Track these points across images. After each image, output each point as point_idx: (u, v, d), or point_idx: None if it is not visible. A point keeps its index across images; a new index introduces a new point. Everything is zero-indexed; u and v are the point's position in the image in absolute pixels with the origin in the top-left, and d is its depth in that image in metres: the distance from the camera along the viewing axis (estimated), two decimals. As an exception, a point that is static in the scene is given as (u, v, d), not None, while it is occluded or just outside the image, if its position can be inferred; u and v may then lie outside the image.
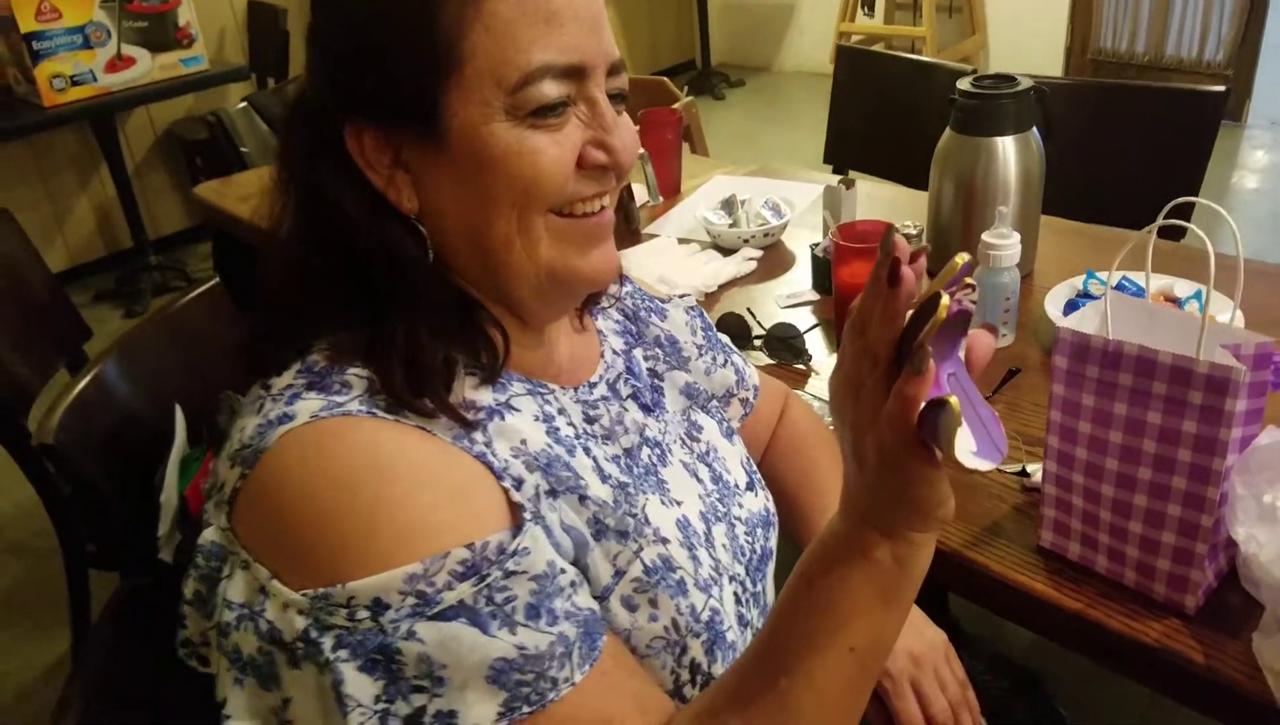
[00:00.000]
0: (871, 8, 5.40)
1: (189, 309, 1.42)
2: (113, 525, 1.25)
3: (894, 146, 2.30)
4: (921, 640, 0.82)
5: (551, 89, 0.63)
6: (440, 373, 0.65)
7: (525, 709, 0.57)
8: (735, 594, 0.76)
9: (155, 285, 3.59)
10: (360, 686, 0.56)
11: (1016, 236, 1.26)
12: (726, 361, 0.94)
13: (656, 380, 0.85)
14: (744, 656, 0.62)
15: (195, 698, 0.64)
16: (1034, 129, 1.43)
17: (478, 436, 0.65)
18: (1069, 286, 1.35)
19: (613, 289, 0.86)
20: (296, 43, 3.34)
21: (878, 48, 4.92)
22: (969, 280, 0.52)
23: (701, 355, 0.91)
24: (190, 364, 1.38)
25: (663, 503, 0.75)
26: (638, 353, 0.86)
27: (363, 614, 0.56)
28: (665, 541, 0.71)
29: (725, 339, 0.99)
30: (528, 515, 0.61)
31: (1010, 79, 1.42)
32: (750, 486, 0.86)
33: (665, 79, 2.56)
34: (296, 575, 0.57)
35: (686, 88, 2.55)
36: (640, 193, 1.83)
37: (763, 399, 1.01)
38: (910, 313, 0.51)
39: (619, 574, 0.67)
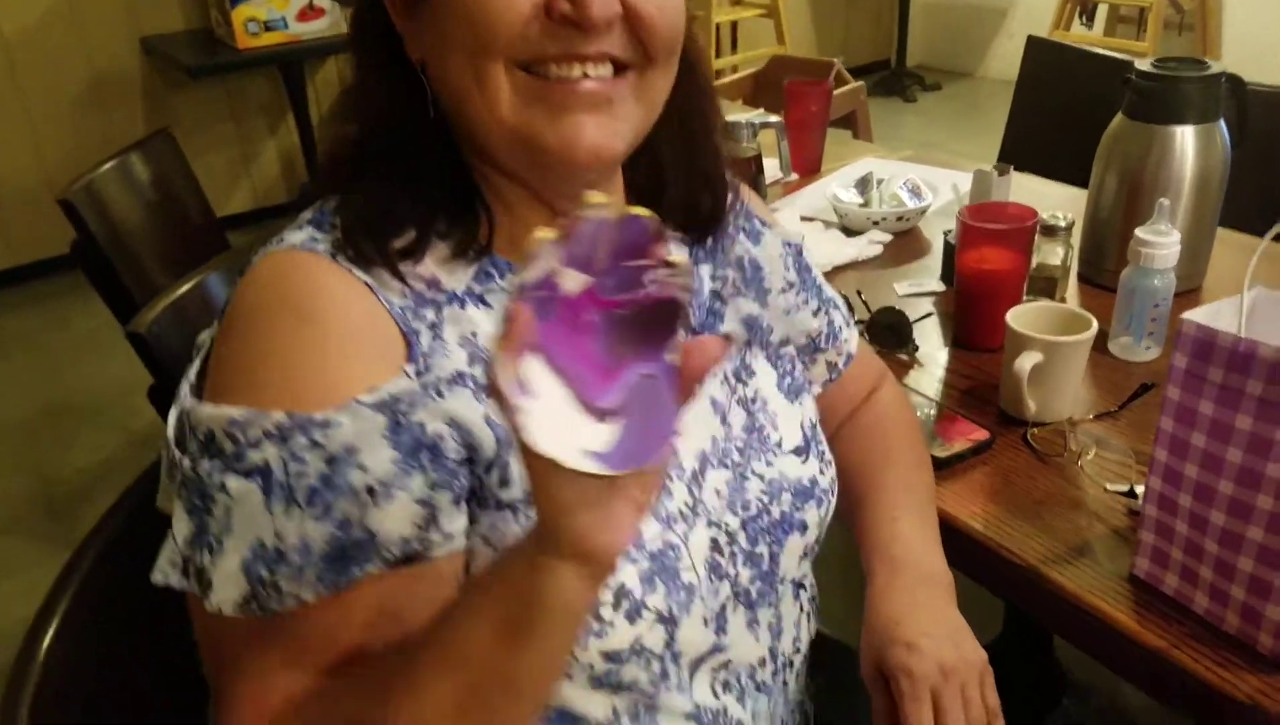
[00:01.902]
0: (1091, 18, 5.04)
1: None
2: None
3: (1075, 150, 2.11)
4: (957, 653, 0.72)
5: None
6: (391, 226, 0.64)
7: (256, 608, 0.57)
8: (714, 540, 0.70)
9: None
10: (181, 526, 0.59)
11: (1175, 236, 1.10)
12: (821, 311, 0.86)
13: (717, 302, 0.78)
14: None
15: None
16: (1220, 123, 1.26)
17: (427, 313, 0.64)
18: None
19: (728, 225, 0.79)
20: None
21: (1089, 59, 4.58)
22: (675, 258, 0.43)
23: (786, 292, 0.83)
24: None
25: None
26: (704, 269, 0.79)
27: (189, 458, 0.59)
28: None
29: (833, 293, 0.90)
30: (369, 400, 0.58)
31: (1200, 63, 1.25)
32: (801, 452, 0.78)
33: (836, 60, 2.45)
34: (203, 383, 0.62)
35: (862, 82, 2.43)
36: (772, 168, 1.73)
37: (855, 371, 0.92)
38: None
39: None
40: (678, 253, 0.43)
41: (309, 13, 3.19)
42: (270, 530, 0.56)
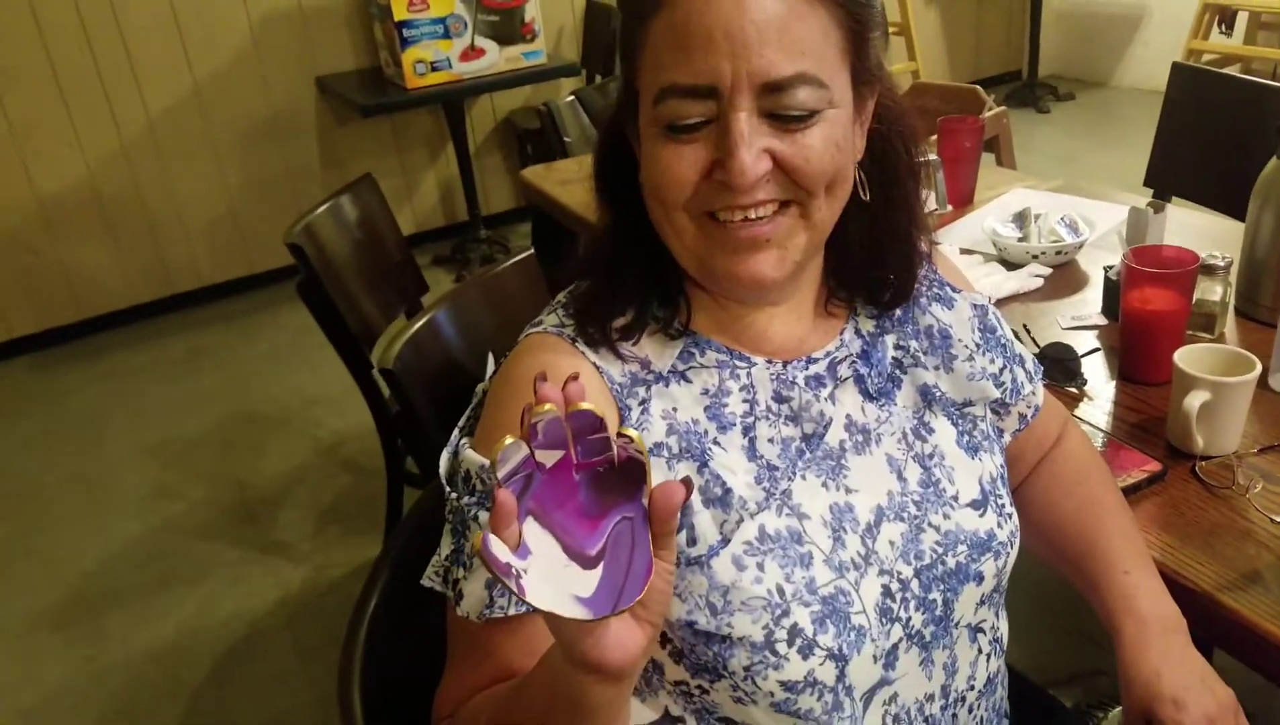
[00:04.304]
0: (1231, 26, 4.92)
1: (506, 275, 1.61)
2: (429, 447, 1.46)
3: (1226, 176, 2.13)
4: (1214, 699, 0.80)
5: (683, 108, 0.69)
6: (611, 312, 0.78)
7: (490, 615, 0.71)
8: (885, 587, 0.78)
9: (482, 256, 3.98)
10: (445, 545, 0.75)
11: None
12: (1005, 368, 0.90)
13: (898, 371, 0.86)
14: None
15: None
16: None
17: (640, 390, 0.77)
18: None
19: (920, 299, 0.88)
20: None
21: (1233, 69, 4.47)
22: (628, 430, 0.52)
23: (972, 358, 0.88)
24: (502, 321, 1.57)
25: (824, 485, 0.79)
26: (889, 339, 0.86)
27: (456, 491, 0.74)
28: (805, 517, 0.76)
29: (1021, 350, 0.94)
30: None
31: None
32: (979, 506, 0.84)
33: (976, 87, 2.52)
34: (474, 425, 0.79)
35: (993, 96, 2.48)
36: (928, 200, 1.83)
37: (1041, 418, 0.96)
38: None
39: (725, 540, 0.74)
40: (631, 428, 0.52)
41: (471, 53, 3.42)
42: None
